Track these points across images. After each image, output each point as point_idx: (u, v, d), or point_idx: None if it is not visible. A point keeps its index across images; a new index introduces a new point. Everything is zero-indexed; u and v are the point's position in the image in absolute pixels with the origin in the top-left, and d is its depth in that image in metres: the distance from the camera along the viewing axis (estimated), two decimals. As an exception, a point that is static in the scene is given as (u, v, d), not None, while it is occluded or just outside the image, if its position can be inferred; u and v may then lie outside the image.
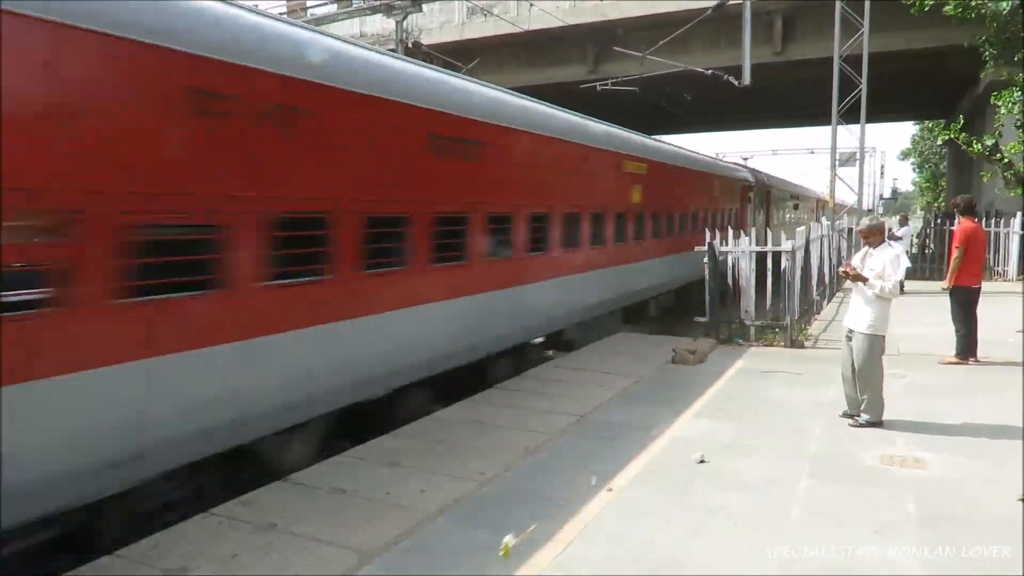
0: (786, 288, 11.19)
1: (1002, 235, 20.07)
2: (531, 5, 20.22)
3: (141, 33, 4.48)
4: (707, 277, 11.54)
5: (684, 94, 24.60)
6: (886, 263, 6.68)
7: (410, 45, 13.57)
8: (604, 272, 12.03)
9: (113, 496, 4.51)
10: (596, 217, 11.52)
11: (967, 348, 9.36)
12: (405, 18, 14.21)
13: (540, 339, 10.64)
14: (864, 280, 6.72)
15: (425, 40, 17.98)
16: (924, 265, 21.49)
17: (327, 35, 6.61)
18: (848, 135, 21.68)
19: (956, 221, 10.40)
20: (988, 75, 18.12)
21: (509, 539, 4.26)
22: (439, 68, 8.73)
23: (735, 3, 16.35)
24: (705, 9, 17.56)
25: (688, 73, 18.06)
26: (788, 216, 31.50)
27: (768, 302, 11.67)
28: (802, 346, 10.90)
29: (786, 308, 11.10)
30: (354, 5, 18.24)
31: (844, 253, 18.65)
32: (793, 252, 11.38)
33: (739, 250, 11.60)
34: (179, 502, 5.24)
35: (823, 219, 20.18)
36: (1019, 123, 17.12)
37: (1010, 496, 4.97)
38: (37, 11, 3.93)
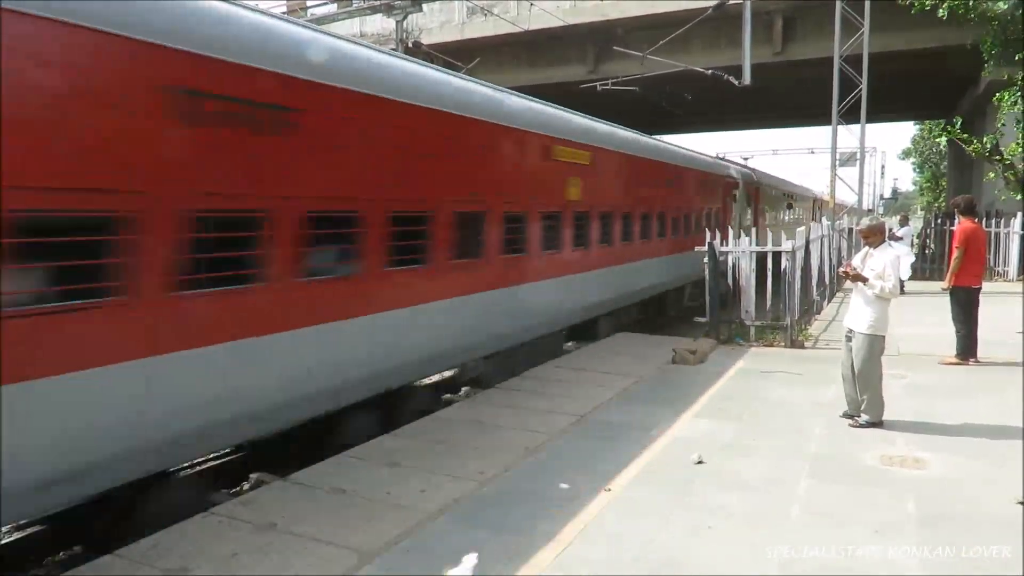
0: (786, 288, 11.19)
1: (1002, 235, 20.06)
2: (531, 5, 20.22)
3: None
4: (707, 277, 11.54)
5: (684, 94, 24.61)
6: (886, 263, 6.68)
7: (410, 45, 13.57)
8: (513, 293, 9.08)
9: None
10: (506, 219, 8.76)
11: (967, 348, 9.36)
12: (405, 18, 14.21)
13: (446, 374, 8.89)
14: (864, 280, 6.73)
15: (425, 40, 17.98)
16: (924, 265, 21.49)
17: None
18: (848, 135, 21.72)
19: (956, 221, 10.39)
20: (989, 75, 18.12)
21: None
22: None
23: (735, 3, 16.36)
24: (705, 9, 17.56)
25: (688, 73, 18.07)
26: (782, 217, 29.48)
27: (768, 302, 11.67)
28: (802, 346, 10.90)
29: (786, 308, 11.10)
30: (354, 5, 18.24)
31: (844, 253, 18.65)
32: (793, 252, 11.38)
33: (739, 250, 11.60)
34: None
35: (823, 219, 20.19)
36: (1019, 122, 17.13)
37: (1010, 496, 4.97)
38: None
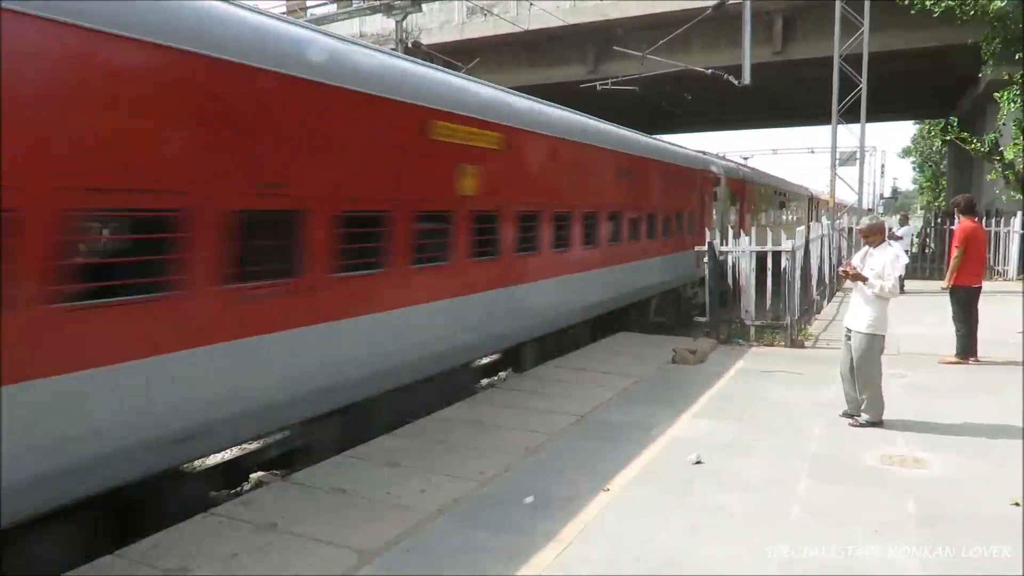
0: (786, 288, 11.19)
1: (1002, 234, 20.07)
2: (531, 5, 20.22)
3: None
4: (707, 276, 11.55)
5: (684, 94, 24.62)
6: (886, 263, 6.68)
7: (410, 45, 13.57)
8: (359, 324, 6.40)
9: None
10: (342, 222, 6.07)
11: (967, 348, 9.36)
12: (405, 18, 14.22)
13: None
14: (864, 280, 6.73)
15: (425, 40, 18.01)
16: (924, 264, 21.49)
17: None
18: (848, 134, 21.71)
19: (956, 220, 10.40)
20: (989, 74, 18.13)
21: None
22: None
23: (735, 3, 16.35)
24: (705, 9, 17.56)
25: (688, 73, 18.07)
26: (772, 217, 26.98)
27: (768, 302, 11.67)
28: (802, 346, 10.90)
29: (786, 308, 11.10)
30: (354, 5, 18.24)
31: (844, 253, 18.65)
32: (793, 252, 11.38)
33: (739, 250, 11.60)
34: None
35: (823, 218, 20.16)
36: (1018, 122, 17.13)
37: (1011, 496, 4.97)
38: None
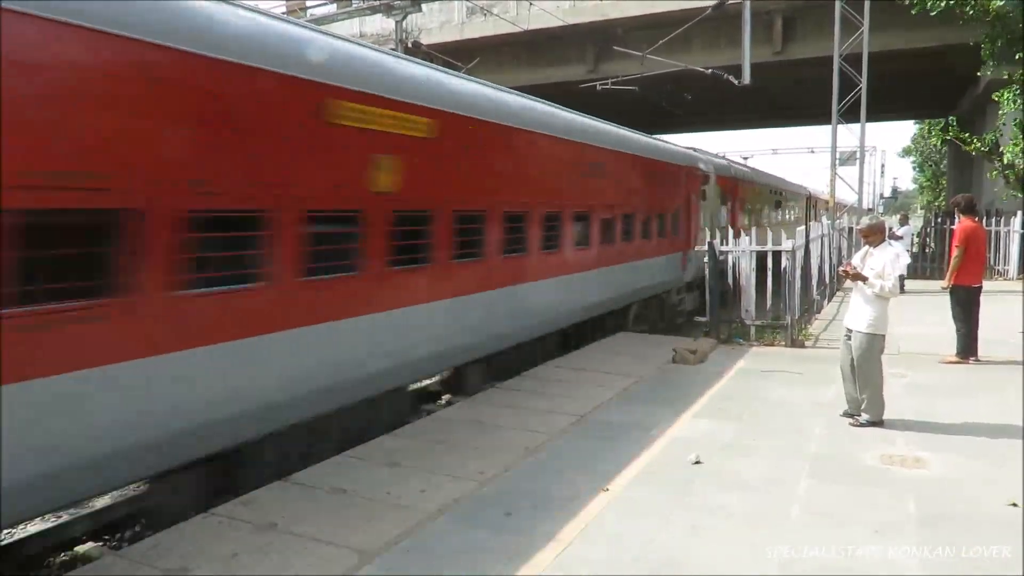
0: (786, 288, 11.19)
1: (1002, 234, 20.08)
2: (531, 5, 20.21)
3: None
4: (707, 276, 11.55)
5: (684, 94, 24.62)
6: (886, 262, 6.68)
7: (410, 45, 13.57)
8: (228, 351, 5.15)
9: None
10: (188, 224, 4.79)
11: (968, 347, 9.36)
12: (405, 18, 14.22)
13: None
14: (864, 279, 6.73)
15: (425, 40, 18.02)
16: (924, 264, 21.49)
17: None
18: (848, 134, 21.72)
19: (956, 220, 10.40)
20: (988, 74, 18.13)
21: None
22: None
23: (735, 2, 16.35)
24: (705, 8, 17.56)
25: (688, 72, 18.06)
26: (768, 217, 25.27)
27: (768, 302, 11.67)
28: (802, 346, 10.90)
29: (786, 308, 11.10)
30: (354, 5, 18.25)
31: (844, 252, 18.65)
32: (793, 252, 11.39)
33: (739, 250, 11.60)
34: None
35: (823, 218, 20.14)
36: (1017, 122, 17.13)
37: (1011, 496, 4.97)
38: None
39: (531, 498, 5.08)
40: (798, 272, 11.51)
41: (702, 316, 11.68)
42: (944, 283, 9.73)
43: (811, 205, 35.94)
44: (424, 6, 15.54)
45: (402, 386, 7.41)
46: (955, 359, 9.36)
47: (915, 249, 22.29)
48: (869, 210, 28.18)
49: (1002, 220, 20.16)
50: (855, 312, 6.88)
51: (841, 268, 8.25)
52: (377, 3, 14.59)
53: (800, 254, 11.81)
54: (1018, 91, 16.27)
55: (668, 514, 4.81)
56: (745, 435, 6.54)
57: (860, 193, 22.26)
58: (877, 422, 6.71)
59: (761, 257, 11.71)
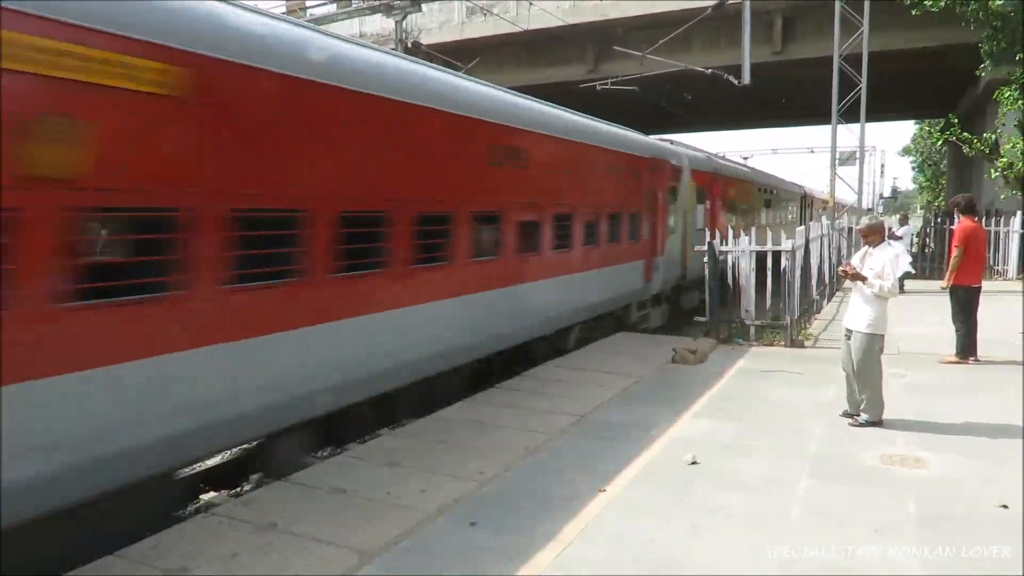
0: (786, 288, 11.19)
1: (1002, 234, 20.08)
2: (531, 5, 20.22)
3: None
4: (707, 276, 11.55)
5: (684, 94, 24.64)
6: (885, 262, 6.69)
7: (409, 45, 13.58)
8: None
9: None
10: None
11: (967, 347, 9.36)
12: (404, 18, 14.23)
13: None
14: (863, 279, 6.73)
15: (425, 40, 18.02)
16: (924, 264, 21.49)
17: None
18: (848, 134, 21.75)
19: (956, 220, 10.40)
20: (987, 74, 18.14)
21: None
22: None
23: (735, 2, 16.36)
24: (705, 8, 17.58)
25: (688, 72, 18.07)
26: (756, 218, 22.57)
27: (768, 302, 11.67)
28: (802, 346, 10.91)
29: (786, 308, 11.10)
30: (353, 5, 18.25)
31: (844, 252, 18.65)
32: (793, 251, 11.39)
33: (739, 250, 11.60)
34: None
35: (823, 218, 20.12)
36: (1017, 122, 17.13)
37: (1011, 496, 4.97)
38: None
39: (531, 498, 5.08)
40: (798, 272, 11.51)
41: (702, 316, 11.66)
42: (944, 283, 9.74)
43: (807, 205, 33.60)
44: (424, 6, 15.55)
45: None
46: (955, 359, 9.36)
47: (915, 249, 22.30)
48: (869, 210, 28.21)
49: (1002, 220, 20.17)
50: (855, 312, 6.88)
51: (840, 268, 8.25)
52: (377, 3, 14.60)
53: (800, 254, 11.81)
54: (1018, 91, 16.26)
55: (668, 514, 4.81)
56: (745, 435, 6.54)
57: (860, 193, 22.28)
58: (877, 422, 6.71)
59: (761, 257, 11.70)
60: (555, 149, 9.95)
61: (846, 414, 6.96)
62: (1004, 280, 19.01)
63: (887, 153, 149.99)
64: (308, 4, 22.21)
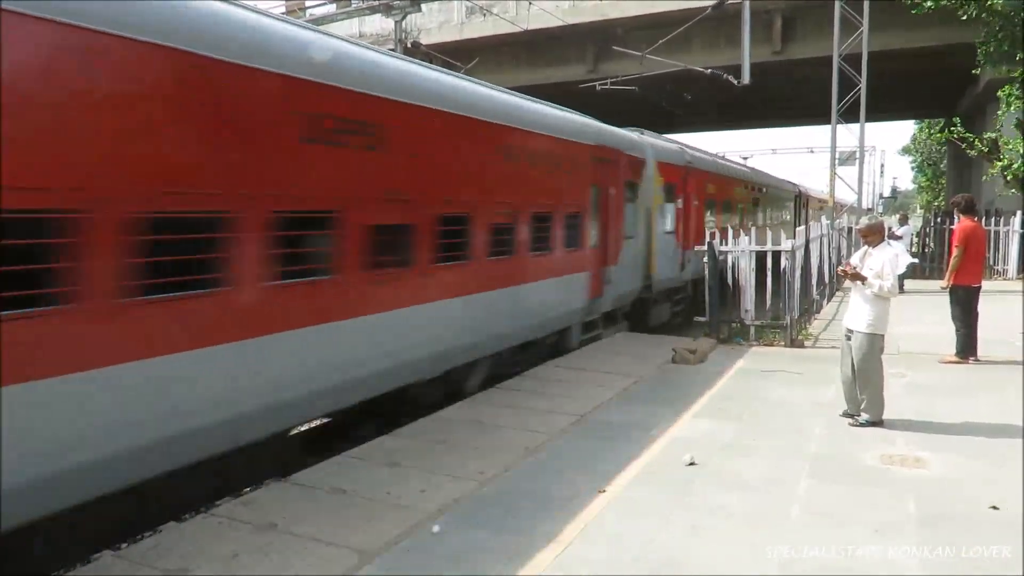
0: (786, 288, 11.19)
1: (1002, 234, 20.09)
2: (530, 5, 20.22)
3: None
4: (707, 276, 11.55)
5: (684, 93, 24.61)
6: (885, 262, 6.69)
7: (409, 45, 13.57)
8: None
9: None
10: None
11: (967, 347, 9.36)
12: (404, 18, 14.23)
13: None
14: (863, 279, 6.73)
15: (424, 40, 18.03)
16: (924, 264, 21.50)
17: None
18: (848, 134, 21.76)
19: (956, 220, 10.40)
20: (985, 73, 18.15)
21: None
22: None
23: (734, 2, 16.35)
24: (704, 8, 17.57)
25: (688, 72, 18.07)
26: (741, 219, 19.84)
27: (768, 302, 11.68)
28: (802, 346, 10.91)
29: (786, 308, 11.10)
30: (353, 5, 18.25)
31: (844, 252, 18.66)
32: (793, 252, 11.39)
33: (739, 250, 11.60)
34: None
35: (822, 218, 20.12)
36: (1017, 123, 17.13)
37: (1010, 497, 4.97)
38: None
39: (531, 498, 5.08)
40: (798, 272, 11.51)
41: (702, 316, 11.66)
42: (944, 283, 9.74)
43: (802, 205, 30.50)
44: (423, 6, 15.55)
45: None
46: (955, 359, 9.36)
47: (914, 249, 22.31)
48: (868, 210, 28.19)
49: (1002, 220, 20.17)
50: (855, 312, 6.88)
51: (840, 268, 8.25)
52: (376, 3, 14.60)
53: (800, 254, 11.81)
54: (1019, 91, 16.27)
55: (668, 514, 4.81)
56: (745, 435, 6.54)
57: (859, 193, 22.28)
58: (877, 422, 6.71)
59: (761, 257, 11.70)
60: (443, 127, 7.38)
61: (846, 414, 6.96)
62: (1004, 280, 19.01)
63: (887, 153, 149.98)
64: (308, 4, 22.22)
